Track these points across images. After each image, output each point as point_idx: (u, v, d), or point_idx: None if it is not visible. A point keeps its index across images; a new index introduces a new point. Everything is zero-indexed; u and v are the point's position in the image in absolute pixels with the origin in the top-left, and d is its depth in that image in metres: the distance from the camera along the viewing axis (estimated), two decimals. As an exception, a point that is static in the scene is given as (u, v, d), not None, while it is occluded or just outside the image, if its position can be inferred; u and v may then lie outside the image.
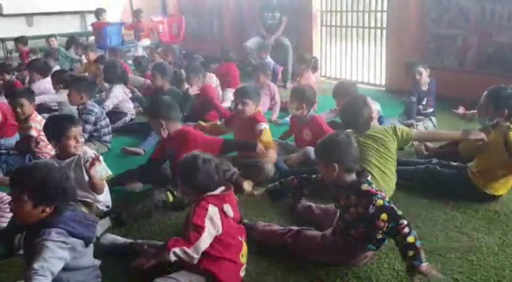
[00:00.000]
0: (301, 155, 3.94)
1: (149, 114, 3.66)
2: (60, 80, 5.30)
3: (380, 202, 2.28)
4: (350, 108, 3.29)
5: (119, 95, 5.43)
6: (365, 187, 2.36)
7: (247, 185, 3.49)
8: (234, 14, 9.63)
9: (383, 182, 3.13)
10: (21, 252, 2.66)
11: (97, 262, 2.34)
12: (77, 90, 4.43)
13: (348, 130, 3.03)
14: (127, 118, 5.49)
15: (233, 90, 6.22)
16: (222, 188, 2.39)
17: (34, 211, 2.01)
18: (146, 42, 10.11)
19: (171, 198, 3.25)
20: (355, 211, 2.36)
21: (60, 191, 2.04)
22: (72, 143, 3.06)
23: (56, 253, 1.89)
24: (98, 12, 10.03)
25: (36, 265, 1.82)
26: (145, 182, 3.66)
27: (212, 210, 2.26)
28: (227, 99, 5.93)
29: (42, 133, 4.09)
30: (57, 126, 3.12)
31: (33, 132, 4.14)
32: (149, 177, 3.62)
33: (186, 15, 10.42)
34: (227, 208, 2.32)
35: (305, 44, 7.92)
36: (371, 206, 2.28)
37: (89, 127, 4.40)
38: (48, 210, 2.03)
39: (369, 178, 2.45)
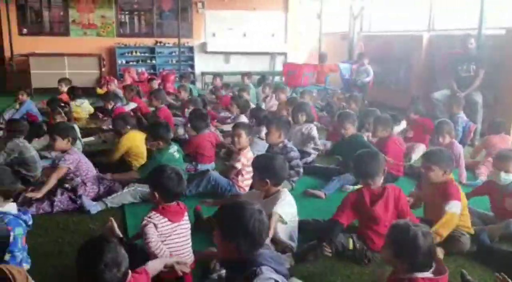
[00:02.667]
0: (503, 228, 3.51)
1: (356, 167, 3.42)
2: (255, 117, 5.65)
3: None
4: None
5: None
6: None
7: (440, 252, 3.18)
8: (425, 64, 9.28)
9: None
10: (214, 275, 2.85)
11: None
12: (276, 129, 4.65)
13: None
14: (310, 158, 5.58)
15: (422, 146, 5.98)
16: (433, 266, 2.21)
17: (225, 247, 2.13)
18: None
19: (351, 246, 3.18)
20: None
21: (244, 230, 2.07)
22: None
23: None
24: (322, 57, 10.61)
25: None
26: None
27: None
28: (415, 155, 5.68)
29: (247, 168, 4.40)
30: None
31: (238, 165, 4.41)
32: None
33: (371, 62, 10.40)
34: None
35: (505, 102, 7.18)
36: None
37: (295, 162, 4.65)
38: (232, 247, 2.11)
39: None
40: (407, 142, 5.94)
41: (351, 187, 4.66)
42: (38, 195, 4.06)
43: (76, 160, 4.21)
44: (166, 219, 2.83)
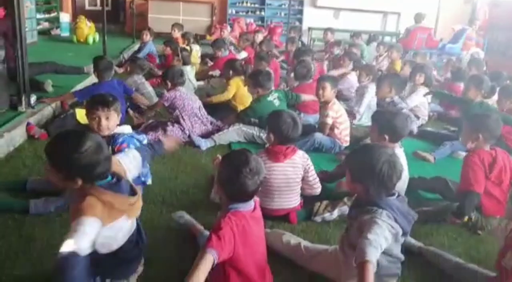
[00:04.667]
0: None
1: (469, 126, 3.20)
2: (368, 73, 5.48)
3: None
4: None
5: (420, 99, 5.40)
6: None
7: None
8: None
9: None
10: (317, 218, 2.98)
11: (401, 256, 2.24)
12: (388, 84, 4.56)
13: None
14: (418, 122, 5.36)
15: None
16: None
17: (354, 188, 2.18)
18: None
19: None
20: None
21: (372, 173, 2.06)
22: None
23: (384, 232, 1.94)
24: (418, 17, 10.04)
25: (370, 236, 1.88)
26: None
27: None
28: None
29: (338, 121, 4.37)
30: None
31: (329, 120, 4.35)
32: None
33: (495, 28, 9.55)
34: None
35: None
36: None
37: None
38: (360, 188, 2.13)
39: None
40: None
41: (464, 154, 4.43)
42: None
43: (171, 97, 4.46)
44: (267, 158, 2.94)
